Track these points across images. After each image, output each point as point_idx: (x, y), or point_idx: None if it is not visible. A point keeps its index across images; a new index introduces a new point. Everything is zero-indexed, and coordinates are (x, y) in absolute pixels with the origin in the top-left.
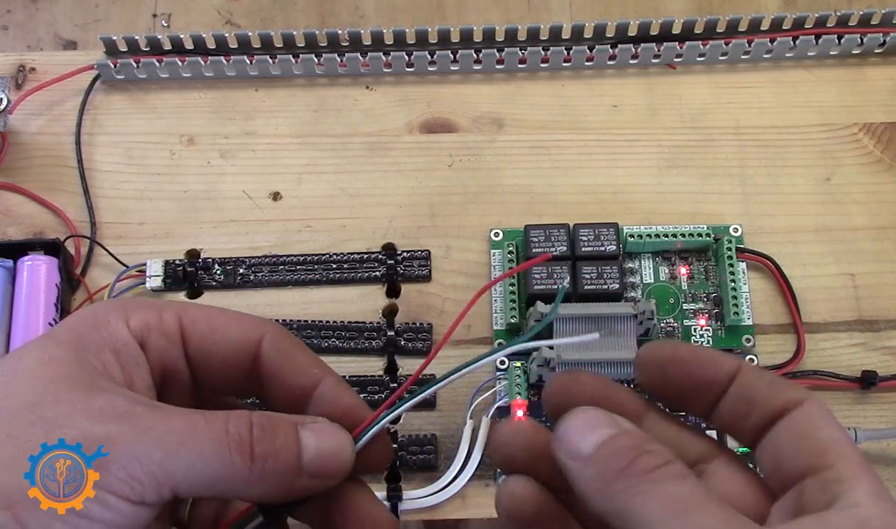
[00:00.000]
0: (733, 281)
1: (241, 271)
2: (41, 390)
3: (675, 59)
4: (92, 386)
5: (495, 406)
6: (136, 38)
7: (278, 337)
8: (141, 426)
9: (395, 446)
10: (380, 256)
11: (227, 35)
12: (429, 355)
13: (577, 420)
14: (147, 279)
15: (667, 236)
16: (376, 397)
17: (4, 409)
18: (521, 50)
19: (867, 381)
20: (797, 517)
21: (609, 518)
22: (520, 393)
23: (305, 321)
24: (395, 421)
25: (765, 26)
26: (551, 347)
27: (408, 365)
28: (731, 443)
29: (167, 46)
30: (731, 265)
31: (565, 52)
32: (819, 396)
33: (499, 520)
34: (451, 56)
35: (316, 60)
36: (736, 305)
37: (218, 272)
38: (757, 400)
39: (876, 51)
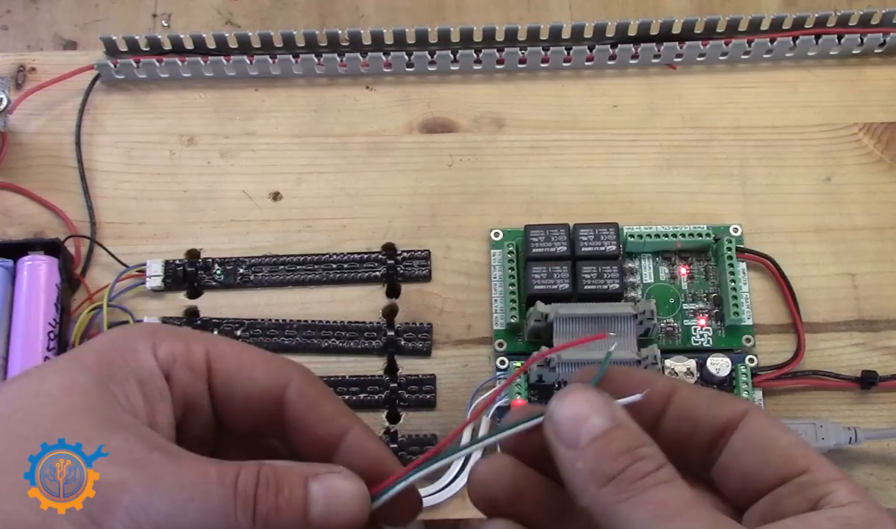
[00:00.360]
0: (733, 281)
1: (241, 271)
2: (59, 419)
3: (675, 59)
4: (111, 422)
5: (495, 406)
6: (136, 38)
7: (305, 383)
8: (154, 476)
9: (394, 446)
10: (380, 256)
11: (227, 35)
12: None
13: (573, 404)
14: (147, 279)
15: (667, 236)
16: (376, 397)
17: (21, 435)
18: (521, 50)
19: (867, 381)
20: (776, 521)
21: (596, 517)
22: (520, 394)
23: (305, 321)
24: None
25: (765, 26)
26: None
27: (408, 366)
28: None
29: (167, 46)
30: (731, 265)
31: (565, 52)
32: (817, 396)
33: None
34: (451, 56)
35: (316, 60)
36: (736, 305)
37: (218, 272)
38: (699, 418)
39: (876, 51)
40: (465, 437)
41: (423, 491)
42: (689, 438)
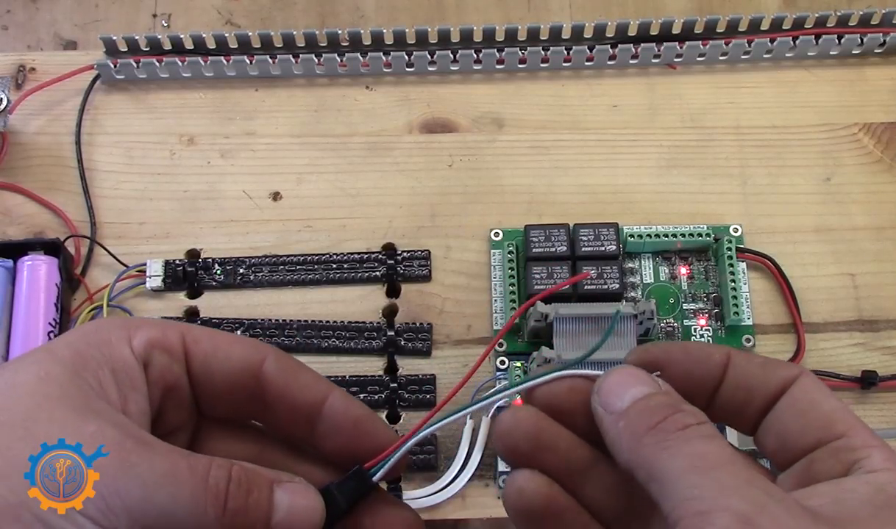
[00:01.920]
0: (733, 281)
1: (241, 271)
2: (35, 407)
3: (675, 59)
4: (85, 408)
5: (495, 405)
6: (136, 38)
7: (281, 357)
8: (127, 461)
9: None
10: (380, 256)
11: (227, 35)
12: (433, 408)
13: (618, 376)
14: (147, 279)
15: (667, 236)
16: (376, 397)
17: None
18: (521, 50)
19: (867, 381)
20: (810, 484)
21: (634, 470)
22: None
23: (305, 321)
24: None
25: (765, 26)
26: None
27: (408, 365)
28: None
29: (167, 46)
30: (731, 265)
31: (565, 52)
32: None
33: (509, 518)
34: (451, 56)
35: (316, 60)
36: (736, 305)
37: (218, 272)
38: (754, 386)
39: (876, 51)
40: (468, 427)
41: (422, 491)
42: (745, 406)
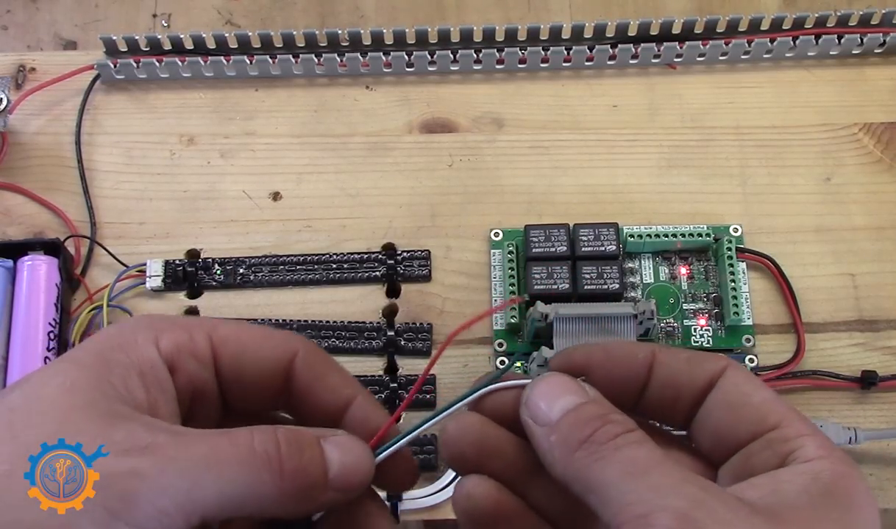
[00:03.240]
0: (733, 281)
1: (241, 271)
2: (62, 420)
3: (675, 59)
4: (112, 414)
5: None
6: (136, 38)
7: (310, 354)
8: (165, 457)
9: None
10: (380, 256)
11: (227, 35)
12: (430, 358)
13: (545, 385)
14: (147, 279)
15: (667, 236)
16: (376, 397)
17: (25, 442)
18: (521, 50)
19: (867, 381)
20: (747, 478)
21: (570, 484)
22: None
23: (305, 321)
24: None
25: (765, 26)
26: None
27: (408, 365)
28: None
29: (167, 46)
30: (731, 265)
31: (565, 52)
32: (817, 396)
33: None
34: (451, 56)
35: (316, 60)
36: (736, 305)
37: (218, 272)
38: (681, 383)
39: (876, 51)
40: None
41: (422, 491)
42: (674, 403)
